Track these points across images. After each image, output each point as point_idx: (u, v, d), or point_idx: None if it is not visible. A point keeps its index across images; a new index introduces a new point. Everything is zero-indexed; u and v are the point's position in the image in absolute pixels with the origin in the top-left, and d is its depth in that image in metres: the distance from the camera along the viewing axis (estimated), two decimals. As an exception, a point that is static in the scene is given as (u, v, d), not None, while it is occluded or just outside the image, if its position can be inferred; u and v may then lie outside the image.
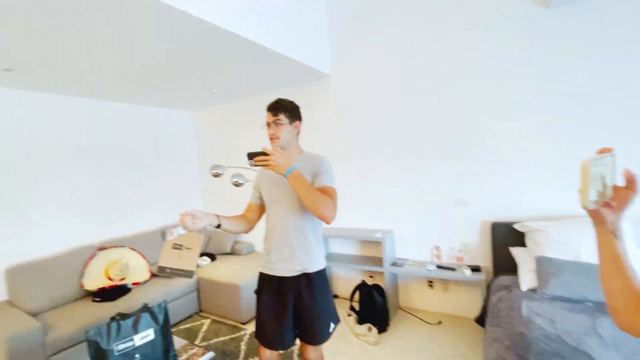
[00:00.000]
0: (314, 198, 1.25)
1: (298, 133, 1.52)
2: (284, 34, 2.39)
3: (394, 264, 2.75)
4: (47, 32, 1.75)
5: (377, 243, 2.96)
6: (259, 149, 1.23)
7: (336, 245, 3.26)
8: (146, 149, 3.68)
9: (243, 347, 2.47)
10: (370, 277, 3.08)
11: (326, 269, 1.52)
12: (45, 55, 2.07)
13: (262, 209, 1.58)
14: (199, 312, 3.17)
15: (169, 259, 1.28)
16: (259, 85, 3.16)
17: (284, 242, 1.45)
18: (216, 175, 2.64)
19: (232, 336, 2.64)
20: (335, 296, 3.26)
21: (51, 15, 1.57)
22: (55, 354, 2.16)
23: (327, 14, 3.06)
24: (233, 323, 2.88)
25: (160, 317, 1.66)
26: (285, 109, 1.44)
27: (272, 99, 1.49)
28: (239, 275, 2.93)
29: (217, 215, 1.34)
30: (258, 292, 1.53)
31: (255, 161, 1.23)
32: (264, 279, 1.51)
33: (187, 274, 1.28)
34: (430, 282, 2.81)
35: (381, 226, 2.99)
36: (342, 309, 2.94)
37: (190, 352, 1.76)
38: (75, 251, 2.84)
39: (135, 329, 1.56)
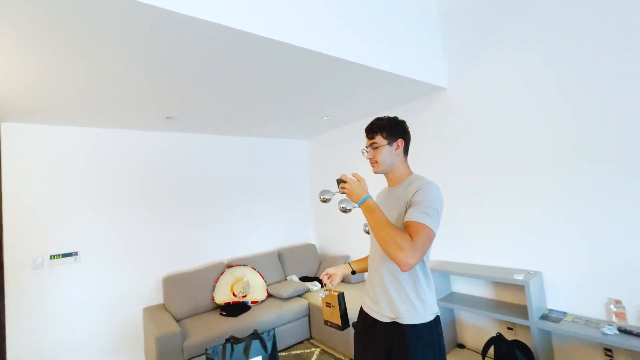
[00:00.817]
0: (385, 235, 1.04)
1: (406, 152, 1.33)
2: (390, 51, 2.26)
3: (545, 317, 2.10)
4: (200, 87, 2.11)
5: (518, 287, 2.34)
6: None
7: (461, 283, 2.75)
8: (268, 177, 4.06)
9: (352, 389, 2.26)
10: (509, 329, 2.44)
11: (434, 323, 1.19)
12: (195, 105, 2.52)
13: None
14: (310, 339, 3.14)
15: (327, 314, 1.55)
16: (369, 107, 3.09)
17: (377, 282, 1.25)
18: (324, 201, 2.61)
19: (341, 373, 2.47)
20: (462, 346, 2.71)
21: (208, 74, 1.87)
22: (193, 357, 2.43)
23: (442, 22, 2.79)
24: (342, 357, 2.71)
25: (269, 345, 1.64)
26: (382, 129, 1.28)
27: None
28: (349, 306, 2.77)
29: (349, 264, 1.49)
30: (356, 327, 1.36)
31: (340, 187, 1.22)
32: (362, 315, 1.33)
33: (339, 327, 1.50)
34: (609, 351, 2.00)
35: (523, 265, 2.36)
36: (471, 365, 2.41)
37: (297, 388, 1.67)
38: (211, 266, 3.26)
39: (246, 354, 1.58)
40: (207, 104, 2.56)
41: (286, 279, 3.60)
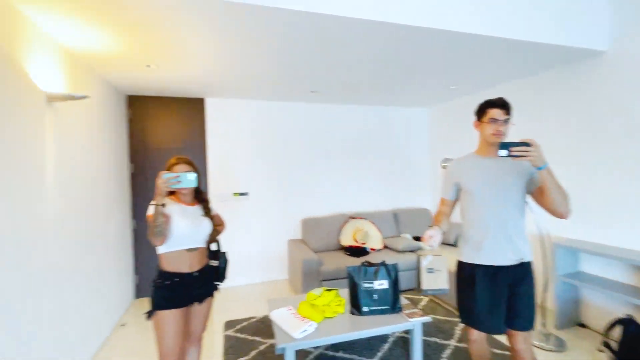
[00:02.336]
0: (562, 192, 1.37)
1: None
2: (529, 15, 2.18)
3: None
4: (339, 67, 2.58)
5: (666, 275, 2.14)
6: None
7: (591, 264, 2.62)
8: (390, 142, 4.42)
9: (457, 331, 2.60)
10: (647, 317, 2.27)
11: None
12: (334, 81, 3.03)
13: (455, 203, 1.71)
14: (418, 289, 3.55)
15: (428, 283, 1.59)
16: (499, 76, 3.01)
17: (501, 233, 1.49)
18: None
19: (448, 318, 2.81)
20: (583, 325, 2.65)
21: (348, 57, 2.33)
22: (324, 280, 3.20)
23: (609, -27, 2.42)
24: (449, 307, 3.03)
25: (393, 274, 2.12)
26: (510, 108, 1.51)
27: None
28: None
29: (438, 226, 1.56)
30: (467, 280, 1.58)
31: (512, 151, 1.30)
32: (472, 267, 1.56)
33: (443, 291, 1.59)
34: None
35: (677, 253, 2.12)
36: (588, 340, 2.40)
37: (412, 310, 2.12)
38: (337, 215, 3.96)
39: (376, 276, 2.10)
40: (344, 79, 3.04)
41: (400, 236, 4.02)
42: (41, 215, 1.77)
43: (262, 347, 2.42)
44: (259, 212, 3.91)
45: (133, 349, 2.47)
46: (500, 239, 1.50)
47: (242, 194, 3.83)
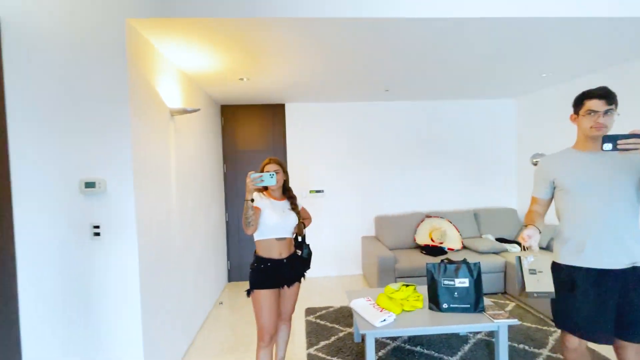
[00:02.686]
0: None
1: None
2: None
3: None
4: (412, 67, 2.59)
5: None
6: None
7: None
8: (468, 138, 4.19)
9: (551, 340, 2.38)
10: None
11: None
12: (408, 79, 3.03)
13: (549, 202, 1.57)
14: (504, 293, 3.32)
15: (531, 284, 1.40)
16: (599, 59, 2.64)
17: (608, 234, 1.36)
18: (536, 164, 2.62)
19: (540, 327, 2.59)
20: None
21: (420, 52, 2.34)
22: (399, 277, 3.22)
23: None
24: (540, 315, 2.78)
25: (475, 273, 2.07)
26: (613, 98, 1.36)
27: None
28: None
29: (535, 226, 1.43)
30: (565, 283, 1.45)
31: (619, 144, 1.20)
32: (571, 270, 1.45)
33: (549, 295, 1.38)
34: None
35: None
36: None
37: (496, 312, 2.04)
38: (412, 214, 3.92)
39: (456, 274, 2.07)
40: (420, 75, 3.01)
41: (481, 237, 3.79)
42: (169, 207, 2.21)
43: (340, 334, 2.58)
44: (334, 209, 4.10)
45: (230, 323, 2.88)
46: (607, 240, 1.37)
47: (317, 191, 4.07)
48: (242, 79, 2.92)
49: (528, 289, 1.38)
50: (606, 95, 1.37)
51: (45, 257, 1.69)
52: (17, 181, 1.67)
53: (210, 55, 2.30)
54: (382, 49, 2.30)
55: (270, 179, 1.68)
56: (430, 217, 3.82)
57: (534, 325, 2.62)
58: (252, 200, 1.69)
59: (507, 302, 3.10)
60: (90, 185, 1.68)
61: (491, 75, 3.08)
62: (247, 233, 1.74)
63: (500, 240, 3.72)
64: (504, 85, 3.51)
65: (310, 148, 4.06)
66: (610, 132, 1.32)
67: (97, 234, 1.71)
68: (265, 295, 1.73)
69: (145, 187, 1.86)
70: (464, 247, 3.65)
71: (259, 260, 1.79)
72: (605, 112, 1.36)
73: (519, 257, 1.43)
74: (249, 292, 1.78)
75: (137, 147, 1.78)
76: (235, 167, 3.99)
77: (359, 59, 2.50)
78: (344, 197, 4.11)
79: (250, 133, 4.02)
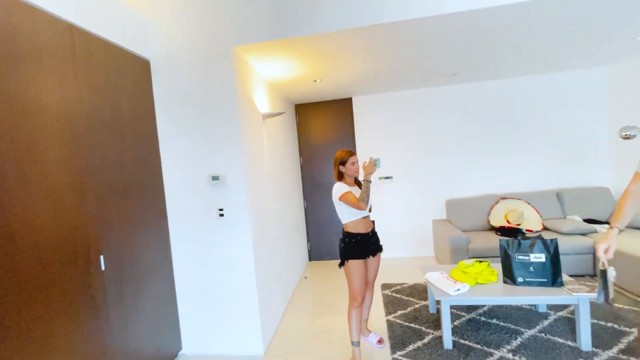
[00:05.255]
0: None
1: None
2: None
3: None
4: (488, 47, 2.63)
5: None
6: None
7: None
8: (544, 115, 3.95)
9: (646, 321, 2.28)
10: None
11: None
12: (475, 61, 3.04)
13: None
14: (593, 275, 3.15)
15: (613, 293, 1.41)
16: None
17: None
18: (626, 138, 2.47)
19: (632, 308, 2.48)
20: None
21: (486, 33, 2.39)
22: (472, 257, 3.31)
23: None
24: (637, 298, 2.63)
25: (551, 249, 2.12)
26: None
27: None
28: (652, 251, 2.57)
29: (615, 227, 1.39)
30: None
31: None
32: None
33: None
34: None
35: None
36: None
37: (576, 286, 2.07)
38: (485, 196, 3.90)
39: (531, 249, 2.15)
40: (490, 59, 3.00)
41: (565, 218, 3.60)
42: (266, 195, 2.71)
43: (416, 306, 2.83)
44: (404, 194, 4.29)
45: (315, 293, 3.34)
46: None
47: (386, 177, 4.29)
48: (315, 81, 3.29)
49: (610, 301, 1.40)
50: None
51: (187, 229, 2.31)
52: (166, 175, 2.30)
53: (290, 65, 2.70)
54: (452, 39, 2.42)
55: (379, 164, 2.04)
56: (506, 198, 3.75)
57: (627, 307, 2.51)
58: (370, 182, 2.02)
59: (595, 284, 2.96)
60: (215, 178, 2.22)
61: (574, 45, 2.91)
62: (362, 209, 2.02)
63: (590, 221, 3.49)
64: (590, 54, 3.25)
65: (378, 136, 4.29)
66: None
67: (222, 215, 2.25)
68: (357, 264, 2.08)
69: (251, 179, 2.36)
70: (545, 229, 3.53)
71: (350, 235, 2.12)
72: None
73: (603, 271, 1.39)
74: (341, 264, 2.14)
75: (245, 148, 2.27)
76: (310, 159, 4.44)
77: (428, 50, 2.66)
78: (413, 181, 4.26)
79: (321, 127, 4.41)
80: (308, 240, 4.50)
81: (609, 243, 1.38)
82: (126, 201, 1.91)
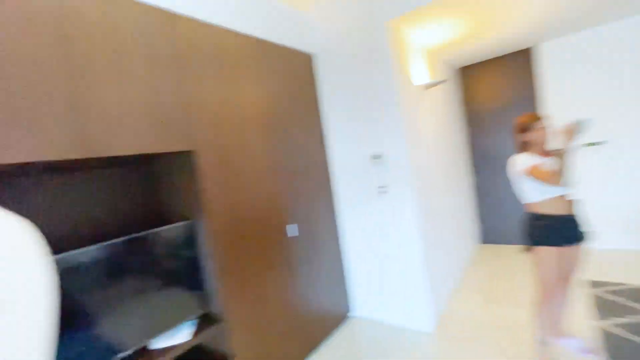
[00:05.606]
0: None
1: None
2: None
3: None
4: None
5: None
6: None
7: None
8: None
9: None
10: None
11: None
12: None
13: None
14: None
15: None
16: None
17: None
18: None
19: None
20: None
21: None
22: None
23: None
24: None
25: None
26: None
27: None
28: None
29: None
30: None
31: None
32: None
33: None
34: None
35: None
36: None
37: None
38: None
39: None
40: None
41: None
42: (428, 170, 2.60)
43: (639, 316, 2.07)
44: (623, 164, 3.12)
45: (489, 279, 2.98)
46: None
47: (595, 143, 3.23)
48: (480, 37, 2.81)
49: None
50: None
51: (352, 205, 2.52)
52: (332, 154, 2.57)
53: (451, 24, 2.40)
54: None
55: (590, 125, 1.59)
56: None
57: None
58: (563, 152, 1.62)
59: None
60: (377, 157, 2.30)
61: None
62: (556, 185, 1.64)
63: None
64: None
65: (574, 91, 3.26)
66: None
67: (385, 192, 2.33)
68: (549, 252, 1.71)
69: (413, 155, 2.31)
70: None
71: (540, 217, 1.75)
72: None
73: None
74: (529, 248, 1.80)
75: (405, 124, 2.23)
76: (480, 129, 3.90)
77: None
78: (635, 147, 3.03)
79: (492, 91, 3.76)
80: (481, 221, 4.03)
81: None
82: (305, 181, 2.28)
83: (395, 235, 2.35)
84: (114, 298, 1.33)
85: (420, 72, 2.70)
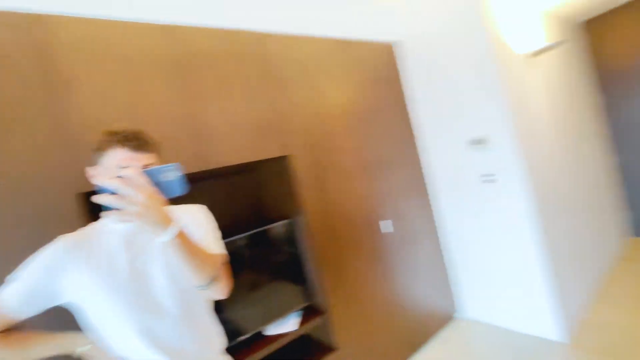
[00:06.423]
0: None
1: None
2: None
3: None
4: None
5: None
6: None
7: None
8: None
9: None
10: None
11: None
12: None
13: None
14: None
15: None
16: None
17: None
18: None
19: None
20: None
21: None
22: None
23: None
24: None
25: None
26: None
27: None
28: None
29: None
30: None
31: None
32: None
33: None
34: None
35: None
36: None
37: None
38: None
39: None
40: None
41: None
42: (546, 153, 2.19)
43: None
44: None
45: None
46: None
47: None
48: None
49: None
50: None
51: (452, 198, 2.31)
52: (424, 144, 2.41)
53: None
54: None
55: None
56: None
57: None
58: None
59: None
60: (479, 142, 2.06)
61: None
62: None
63: None
64: None
65: None
66: None
67: (491, 181, 2.06)
68: None
69: (524, 136, 1.98)
70: None
71: None
72: None
73: None
74: None
75: (510, 102, 1.93)
76: (619, 94, 3.07)
77: None
78: None
79: (630, 45, 2.91)
80: (629, 209, 3.18)
81: None
82: (396, 175, 2.21)
83: (506, 230, 2.05)
84: (237, 286, 1.55)
85: (530, 36, 2.29)
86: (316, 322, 1.71)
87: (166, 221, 0.69)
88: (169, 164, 0.73)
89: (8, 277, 0.78)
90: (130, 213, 0.65)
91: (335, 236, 1.83)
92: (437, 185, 2.40)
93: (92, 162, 0.80)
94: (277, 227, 1.73)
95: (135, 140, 0.78)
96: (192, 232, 0.80)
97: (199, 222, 0.92)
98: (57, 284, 0.76)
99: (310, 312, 1.76)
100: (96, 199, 0.65)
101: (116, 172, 0.73)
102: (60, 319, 0.86)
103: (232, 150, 1.54)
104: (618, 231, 3.00)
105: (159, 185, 0.70)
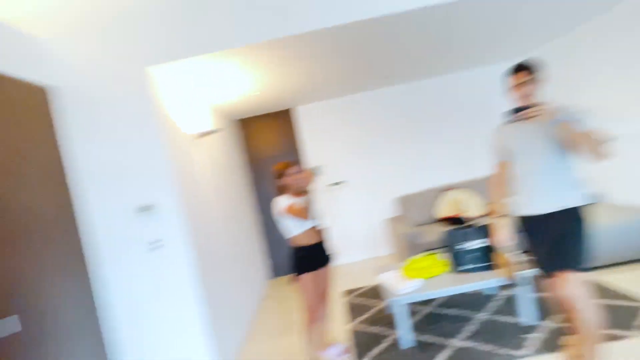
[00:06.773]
0: (588, 141, 1.47)
1: None
2: None
3: None
4: (405, 54, 2.76)
5: None
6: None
7: None
8: (469, 110, 4.24)
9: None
10: None
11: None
12: (406, 62, 3.19)
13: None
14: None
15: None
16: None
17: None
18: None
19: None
20: None
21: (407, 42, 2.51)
22: (427, 250, 3.40)
23: None
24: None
25: (485, 234, 2.24)
26: (528, 68, 1.62)
27: None
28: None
29: (497, 212, 1.86)
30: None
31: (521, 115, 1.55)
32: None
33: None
34: None
35: None
36: None
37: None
38: (430, 190, 4.07)
39: (468, 238, 2.27)
40: (411, 56, 3.17)
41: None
42: (209, 218, 2.58)
43: (376, 308, 2.85)
44: (356, 196, 4.35)
45: (277, 312, 3.24)
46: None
47: (336, 183, 4.32)
48: (253, 94, 3.24)
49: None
50: (519, 68, 1.59)
51: (117, 269, 2.11)
52: (87, 211, 2.10)
53: (228, 80, 2.64)
54: (373, 40, 2.51)
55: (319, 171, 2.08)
56: (450, 189, 3.94)
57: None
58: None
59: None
60: (145, 209, 2.06)
61: (491, 39, 3.15)
62: (305, 219, 2.00)
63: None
64: (501, 50, 3.55)
65: (324, 144, 4.32)
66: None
67: (157, 247, 2.09)
68: (308, 277, 2.02)
69: (189, 204, 2.23)
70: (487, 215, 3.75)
71: (299, 249, 2.06)
72: (525, 83, 1.56)
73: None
74: (294, 278, 2.07)
75: (176, 172, 2.14)
76: (261, 174, 4.36)
77: (356, 55, 2.73)
78: (364, 183, 4.34)
79: (267, 141, 4.36)
80: (270, 257, 4.38)
81: (497, 234, 1.84)
82: (36, 247, 1.70)
83: (173, 291, 2.12)
84: None
85: (197, 121, 2.74)
86: None
87: None
88: None
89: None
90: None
91: None
92: (103, 255, 2.11)
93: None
94: None
95: None
96: None
97: None
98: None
99: None
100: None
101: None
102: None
103: None
104: (263, 275, 4.02)
105: None
